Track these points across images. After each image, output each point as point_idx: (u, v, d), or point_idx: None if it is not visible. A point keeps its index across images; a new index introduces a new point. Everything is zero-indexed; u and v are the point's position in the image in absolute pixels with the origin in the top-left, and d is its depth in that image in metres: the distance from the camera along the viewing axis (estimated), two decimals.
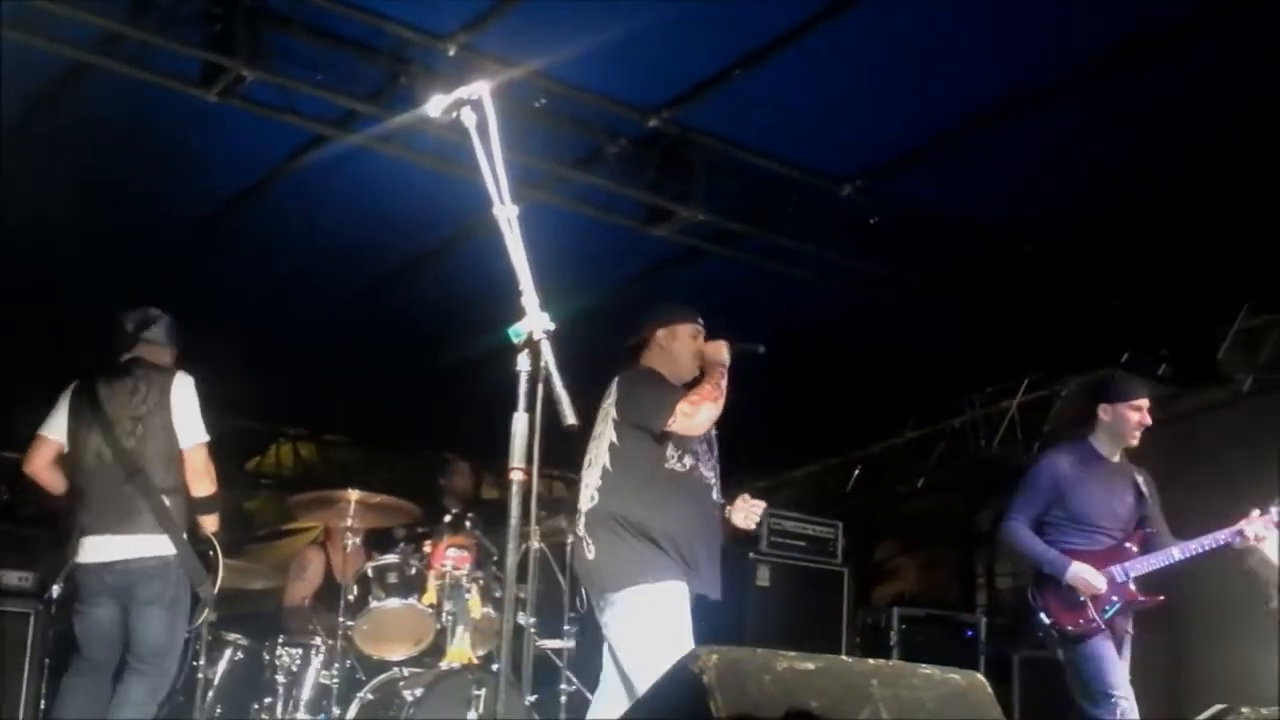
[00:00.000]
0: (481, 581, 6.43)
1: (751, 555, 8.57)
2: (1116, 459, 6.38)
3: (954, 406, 10.25)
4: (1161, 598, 6.19)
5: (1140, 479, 6.38)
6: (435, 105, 3.72)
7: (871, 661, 2.95)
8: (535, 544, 7.13)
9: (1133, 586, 6.13)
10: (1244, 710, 3.91)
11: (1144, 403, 6.33)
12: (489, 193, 3.55)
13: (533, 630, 6.89)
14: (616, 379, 5.45)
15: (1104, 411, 6.34)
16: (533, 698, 6.58)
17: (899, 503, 11.78)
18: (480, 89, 3.64)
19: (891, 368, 9.40)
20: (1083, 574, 6.06)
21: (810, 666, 2.71)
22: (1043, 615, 6.19)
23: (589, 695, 7.15)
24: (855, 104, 6.71)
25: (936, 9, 5.98)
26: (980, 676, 3.05)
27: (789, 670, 2.68)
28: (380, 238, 7.76)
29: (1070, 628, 6.09)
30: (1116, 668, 6.04)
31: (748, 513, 5.56)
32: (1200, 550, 6.17)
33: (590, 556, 5.29)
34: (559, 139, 6.72)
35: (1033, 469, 6.46)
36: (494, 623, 6.32)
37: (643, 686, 4.55)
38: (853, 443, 11.23)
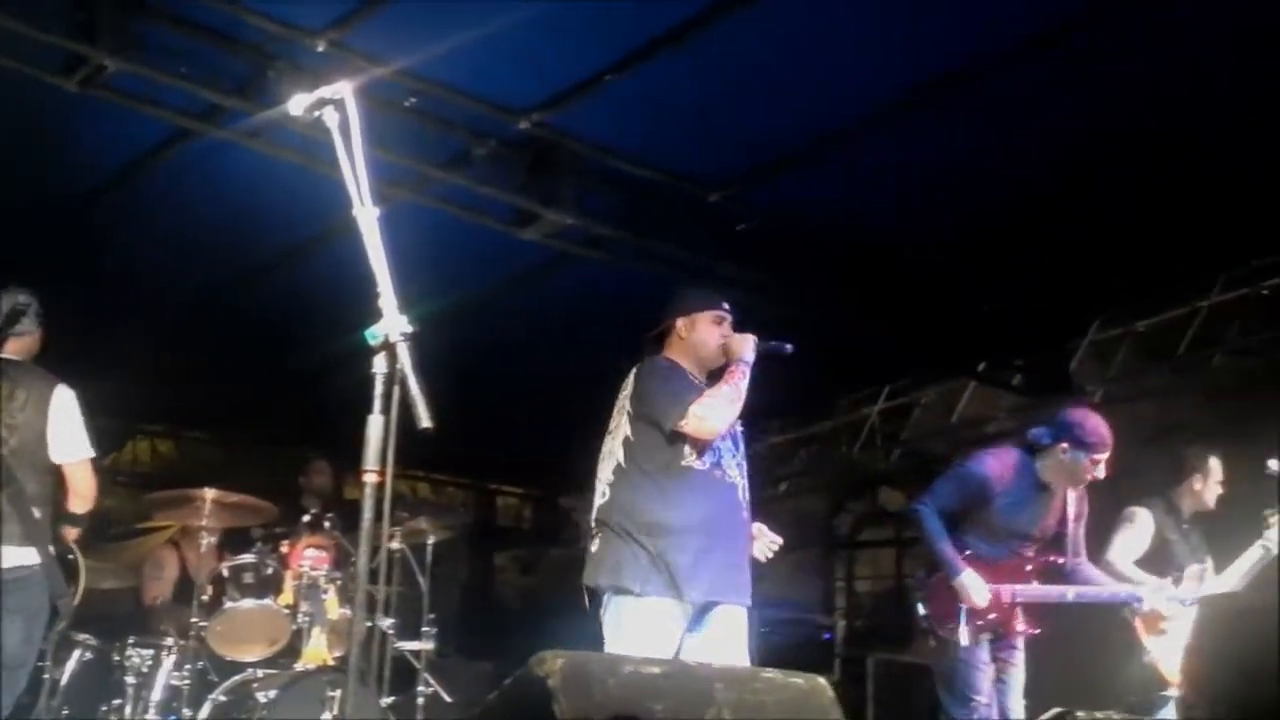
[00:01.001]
0: (340, 582, 6.39)
1: None
2: (1056, 488, 6.24)
3: (819, 412, 10.40)
4: (1037, 630, 6.13)
5: (1071, 498, 6.26)
6: (297, 103, 3.69)
7: (716, 665, 2.99)
8: (395, 545, 7.19)
9: (1017, 610, 6.07)
10: (1079, 714, 4.02)
11: (1104, 457, 6.11)
12: (350, 193, 3.53)
13: (391, 632, 6.95)
14: (634, 371, 5.23)
15: (1064, 452, 6.12)
16: (390, 700, 6.55)
17: (763, 506, 11.90)
18: (343, 88, 3.62)
19: (758, 373, 9.48)
20: (970, 584, 5.94)
21: (655, 670, 2.75)
22: (921, 606, 6.17)
23: (447, 698, 7.16)
24: (726, 111, 6.76)
25: (808, 18, 6.05)
26: (822, 680, 3.11)
27: (634, 674, 2.71)
28: (246, 233, 7.66)
29: (938, 628, 6.07)
30: (983, 674, 6.01)
31: (765, 546, 5.31)
32: (1095, 599, 6.23)
33: (592, 550, 5.10)
34: (428, 139, 6.69)
35: (969, 467, 6.25)
36: (357, 622, 6.26)
37: None
38: None
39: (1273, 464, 6.17)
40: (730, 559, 5.04)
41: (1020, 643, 6.13)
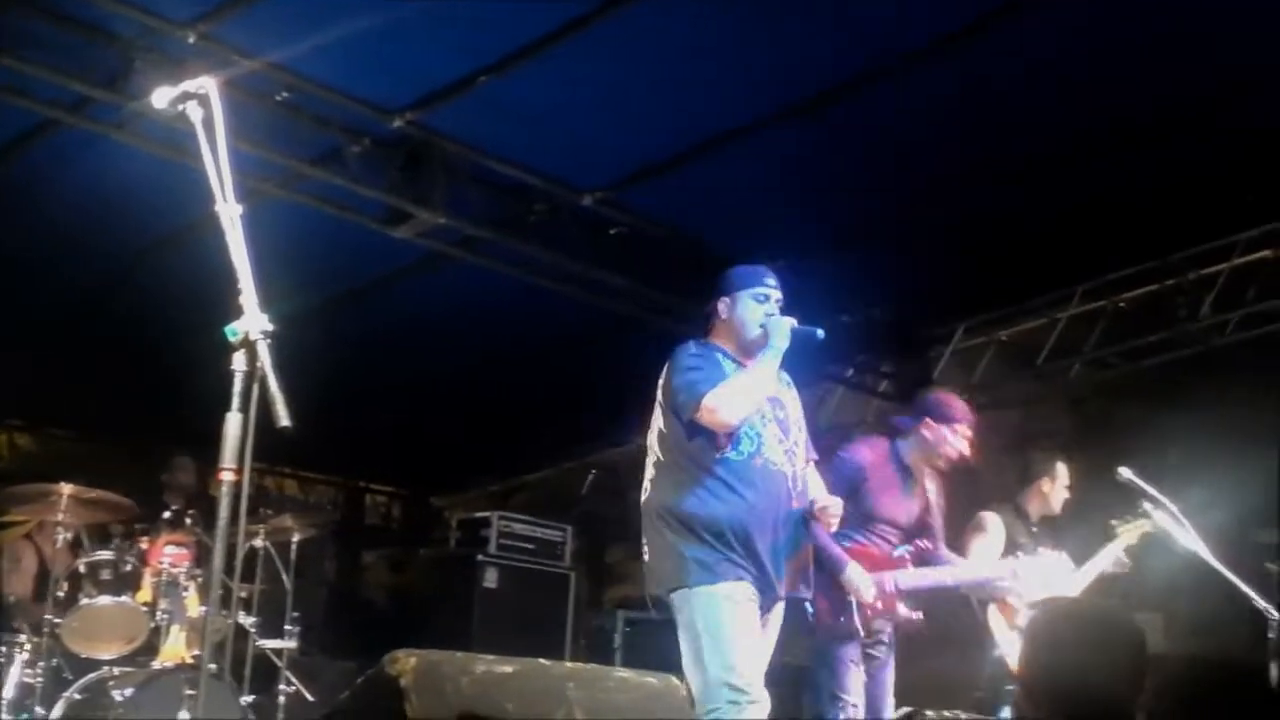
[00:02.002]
0: (200, 580, 6.31)
1: (479, 557, 8.61)
2: (916, 471, 6.24)
3: None
4: (920, 615, 6.04)
5: (931, 488, 6.28)
6: (161, 97, 3.65)
7: (569, 664, 3.04)
8: (259, 543, 7.13)
9: (898, 598, 5.99)
10: (928, 713, 4.12)
11: (965, 429, 6.15)
12: (212, 189, 3.50)
13: (253, 631, 6.89)
14: (669, 359, 4.90)
15: (927, 428, 6.14)
16: (250, 698, 6.49)
17: (631, 507, 11.97)
18: (207, 83, 3.59)
19: (628, 376, 9.55)
20: (856, 578, 5.84)
21: (508, 669, 2.78)
22: (807, 605, 6.10)
23: (309, 696, 7.12)
24: (601, 115, 6.83)
25: (682, 27, 6.14)
26: (675, 679, 3.16)
27: (487, 673, 2.74)
28: (113, 227, 7.52)
29: (826, 622, 5.89)
30: (853, 674, 5.90)
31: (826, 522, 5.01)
32: (974, 580, 6.24)
33: (646, 558, 4.77)
34: (300, 135, 6.65)
35: (842, 456, 6.16)
36: (214, 622, 6.20)
37: (704, 696, 4.38)
38: (588, 448, 11.38)
39: (1123, 471, 6.32)
40: (786, 551, 4.73)
41: (890, 639, 6.10)
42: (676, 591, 4.56)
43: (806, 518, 4.87)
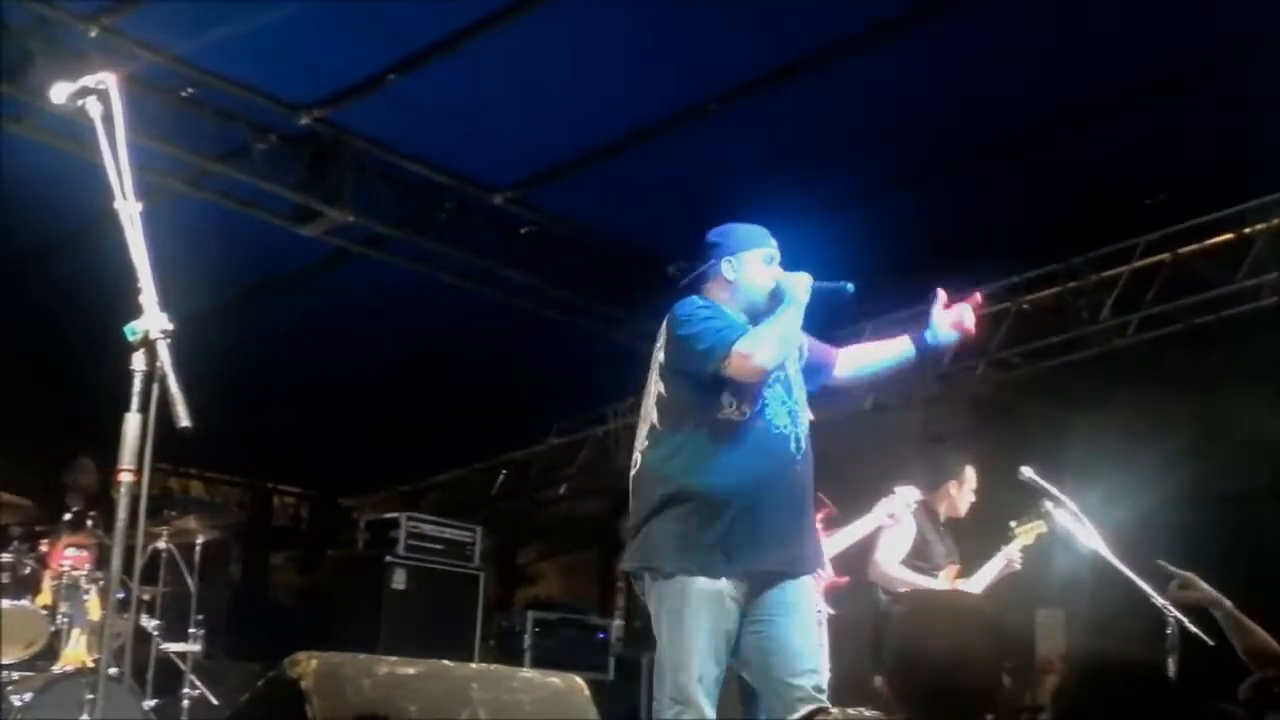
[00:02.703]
0: (102, 582, 6.20)
1: (388, 559, 8.56)
2: None
3: (598, 415, 10.51)
4: (847, 578, 6.18)
5: None
6: (59, 92, 3.58)
7: (474, 665, 3.03)
8: (162, 545, 7.03)
9: (828, 565, 6.04)
10: (833, 711, 4.13)
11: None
12: (111, 186, 3.45)
13: (156, 634, 6.79)
14: (666, 318, 4.48)
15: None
16: (153, 702, 6.40)
17: (543, 508, 11.98)
18: (108, 78, 3.54)
19: (539, 375, 9.57)
20: None
21: (411, 671, 2.77)
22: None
23: (214, 700, 7.03)
24: (512, 114, 6.82)
25: (592, 28, 6.16)
26: (579, 680, 3.17)
27: (390, 675, 2.73)
28: (12, 222, 7.39)
29: None
30: None
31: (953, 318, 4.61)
32: (866, 531, 6.34)
33: (629, 524, 4.43)
34: (206, 131, 6.60)
35: None
36: (115, 625, 6.10)
37: (658, 682, 4.10)
38: (499, 447, 11.35)
39: (1024, 471, 6.41)
40: (782, 523, 4.34)
41: (823, 619, 6.06)
42: (652, 574, 4.24)
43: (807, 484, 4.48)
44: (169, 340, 3.23)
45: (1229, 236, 7.79)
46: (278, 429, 10.45)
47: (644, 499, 4.30)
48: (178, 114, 6.39)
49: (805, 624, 4.30)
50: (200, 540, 7.22)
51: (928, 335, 4.64)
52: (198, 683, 6.98)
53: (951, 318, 4.63)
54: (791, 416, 4.39)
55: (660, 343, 4.41)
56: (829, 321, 4.42)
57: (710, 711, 4.05)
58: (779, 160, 7.17)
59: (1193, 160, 7.11)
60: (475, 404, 10.04)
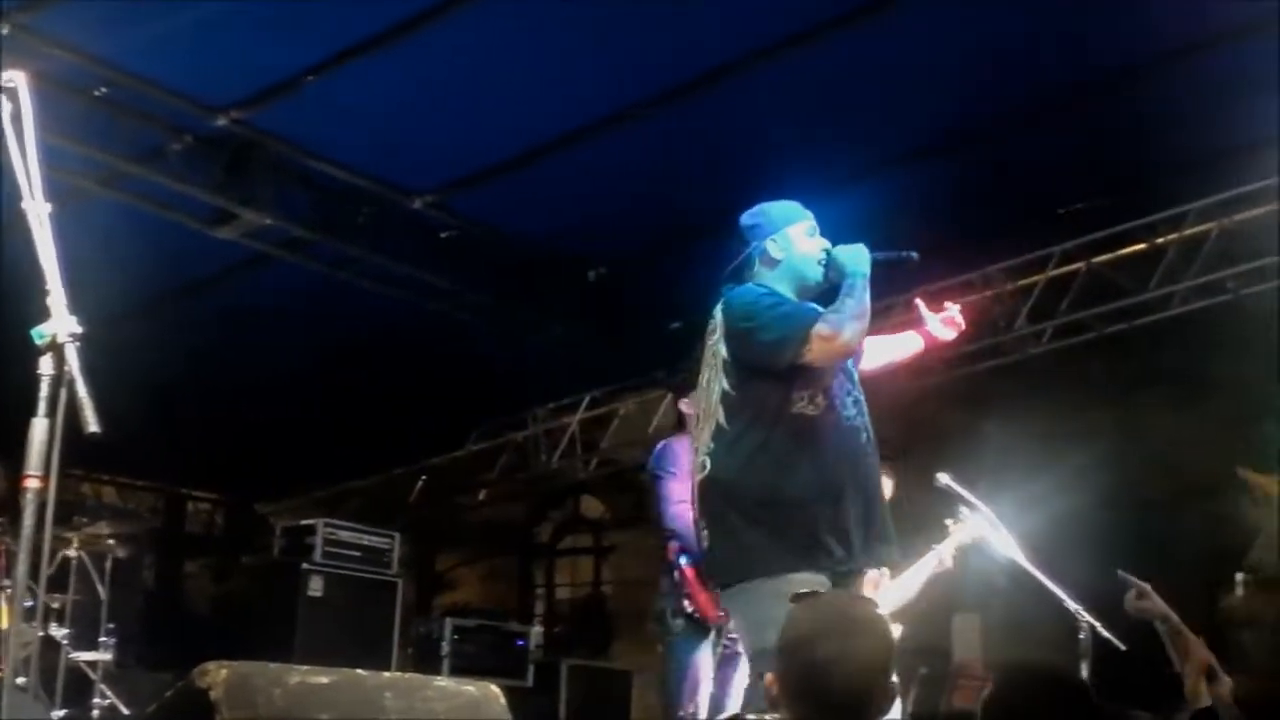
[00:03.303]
0: (9, 590, 6.08)
1: (304, 566, 8.46)
2: None
3: (518, 421, 10.49)
4: None
5: None
6: None
7: (388, 674, 3.00)
8: (73, 552, 6.90)
9: None
10: (749, 715, 4.12)
11: None
12: (20, 186, 3.38)
13: (65, 642, 6.67)
14: (721, 309, 4.22)
15: (686, 405, 6.17)
16: (63, 713, 6.29)
17: (462, 513, 11.94)
18: (17, 77, 3.47)
19: (458, 380, 9.52)
20: None
21: (324, 680, 2.73)
22: (686, 602, 5.89)
23: (124, 709, 6.92)
24: (433, 117, 6.78)
25: (512, 32, 6.13)
26: (494, 688, 3.15)
27: (302, 684, 2.69)
28: None
29: (712, 616, 5.83)
30: (708, 667, 5.88)
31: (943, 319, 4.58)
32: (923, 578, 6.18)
33: (705, 545, 4.16)
34: (120, 131, 6.48)
35: (661, 455, 6.14)
36: (22, 634, 5.97)
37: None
38: (418, 453, 11.29)
39: (941, 477, 6.44)
40: (873, 517, 4.17)
41: None
42: (741, 584, 4.02)
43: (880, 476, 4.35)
44: (78, 344, 3.18)
45: (1142, 246, 7.93)
46: (193, 434, 10.32)
47: (725, 506, 4.08)
48: (91, 114, 6.27)
49: None
50: (112, 547, 7.11)
51: (932, 330, 4.67)
52: (108, 692, 6.88)
53: (944, 317, 4.68)
54: (858, 406, 4.24)
55: (717, 336, 4.18)
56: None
57: None
58: (697, 167, 7.20)
59: (1108, 171, 7.23)
60: (394, 409, 9.97)
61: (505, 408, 10.38)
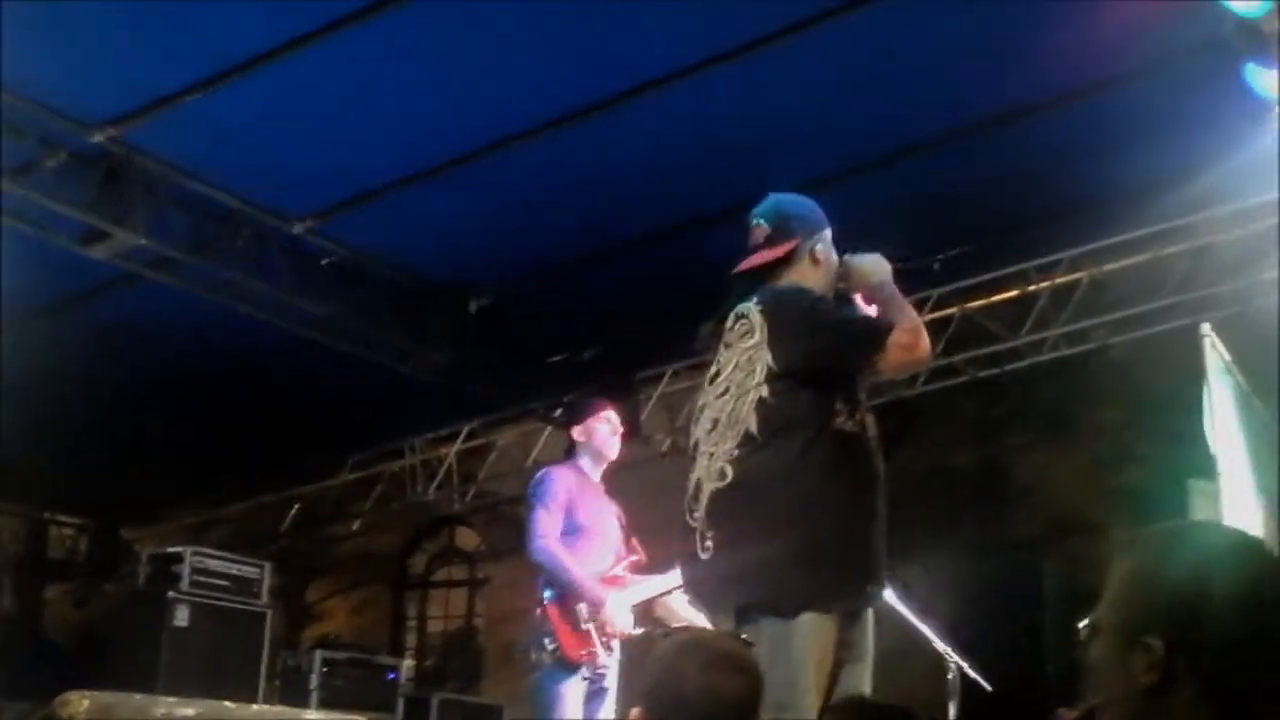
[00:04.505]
0: None
1: (170, 594, 8.27)
2: (599, 481, 6.27)
3: (395, 451, 10.40)
4: (644, 629, 5.99)
5: (615, 507, 6.28)
6: None
7: (255, 707, 2.94)
8: None
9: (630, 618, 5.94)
10: None
11: (610, 412, 6.35)
12: None
13: None
14: (758, 307, 3.91)
15: (578, 433, 6.30)
16: None
17: (334, 543, 11.79)
18: None
19: (334, 408, 9.41)
20: (616, 612, 5.81)
21: (189, 712, 2.67)
22: (547, 640, 5.87)
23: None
24: (314, 140, 6.70)
25: (402, 53, 6.09)
26: None
27: (167, 716, 2.63)
28: None
29: (573, 655, 5.85)
30: (577, 698, 5.88)
31: None
32: (671, 587, 5.94)
33: (705, 557, 3.82)
34: None
35: (539, 483, 6.13)
36: None
37: None
38: (290, 481, 11.13)
39: None
40: (882, 544, 3.94)
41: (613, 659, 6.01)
42: (767, 619, 3.69)
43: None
44: None
45: (1014, 293, 8.10)
46: (57, 457, 10.06)
47: (744, 524, 3.79)
48: None
49: (869, 649, 3.98)
50: None
51: None
52: None
53: None
54: (874, 427, 4.01)
55: (756, 340, 3.87)
56: None
57: None
58: (584, 198, 7.21)
59: (981, 217, 7.35)
60: (267, 436, 9.82)
61: (382, 437, 10.29)
